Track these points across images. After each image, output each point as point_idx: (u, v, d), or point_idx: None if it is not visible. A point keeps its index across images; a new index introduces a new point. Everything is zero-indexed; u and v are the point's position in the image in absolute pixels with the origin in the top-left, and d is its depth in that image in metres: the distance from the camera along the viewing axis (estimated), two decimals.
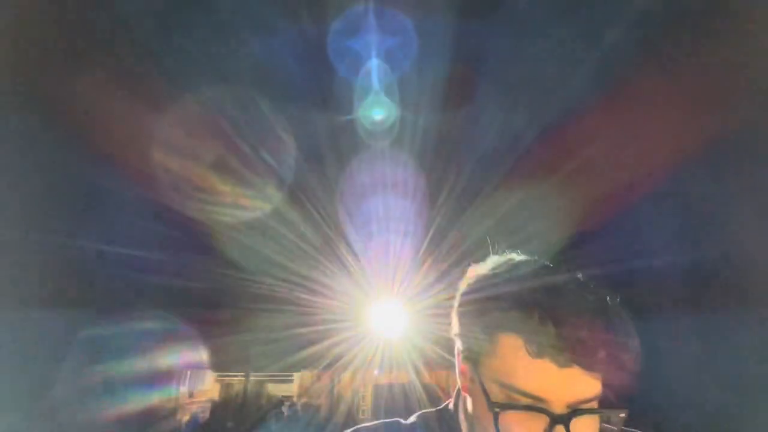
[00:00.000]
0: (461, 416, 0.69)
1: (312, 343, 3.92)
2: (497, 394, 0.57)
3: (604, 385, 0.56)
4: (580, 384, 0.54)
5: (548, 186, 2.67)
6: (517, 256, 0.68)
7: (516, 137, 2.39)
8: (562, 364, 0.53)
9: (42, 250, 2.14)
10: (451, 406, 0.73)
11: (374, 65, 1.80)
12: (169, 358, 3.82)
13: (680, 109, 2.16)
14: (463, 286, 0.68)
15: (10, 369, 2.01)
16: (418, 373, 4.02)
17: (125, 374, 3.08)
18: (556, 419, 0.52)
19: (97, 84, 1.99)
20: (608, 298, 0.59)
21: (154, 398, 3.77)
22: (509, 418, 0.55)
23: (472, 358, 0.62)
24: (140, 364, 3.35)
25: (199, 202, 2.67)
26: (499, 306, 0.59)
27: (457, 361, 0.68)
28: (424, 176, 2.63)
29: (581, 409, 0.54)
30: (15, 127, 1.92)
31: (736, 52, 1.86)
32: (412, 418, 0.75)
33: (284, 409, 6.41)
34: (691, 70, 2.00)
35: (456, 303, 0.68)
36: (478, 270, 0.68)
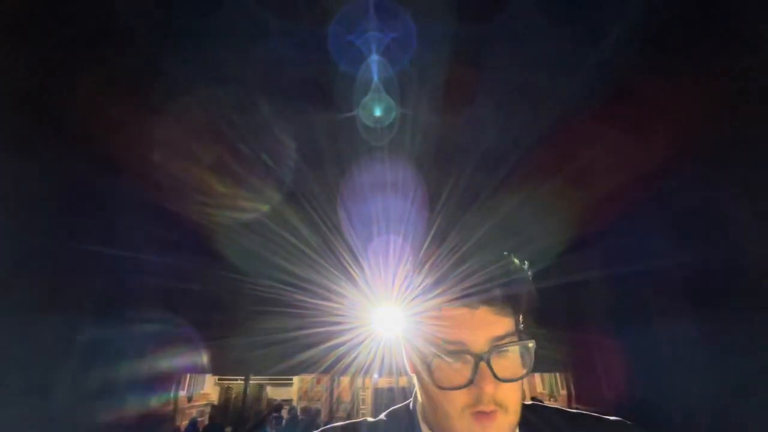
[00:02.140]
0: (418, 408, 0.78)
1: (311, 346, 3.91)
2: (429, 351, 0.68)
3: (514, 321, 0.69)
4: (491, 323, 0.66)
5: (551, 188, 2.67)
6: (432, 249, 0.78)
7: (518, 138, 2.39)
8: (473, 307, 0.65)
9: (41, 252, 2.13)
10: (411, 405, 0.81)
11: (374, 62, 1.80)
12: (169, 361, 3.80)
13: (681, 112, 2.16)
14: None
15: (9, 372, 2.00)
16: None
17: (124, 377, 3.06)
18: (478, 357, 0.64)
19: (97, 86, 1.99)
20: (507, 254, 0.73)
21: (153, 402, 3.75)
22: (441, 367, 0.66)
23: (409, 334, 0.74)
24: (139, 367, 3.33)
25: (198, 205, 2.67)
26: (421, 282, 0.72)
27: (403, 350, 0.78)
28: (424, 177, 2.62)
29: (497, 345, 0.65)
30: (14, 129, 1.92)
31: (737, 55, 1.86)
32: (381, 416, 0.82)
33: (284, 412, 6.39)
34: (692, 72, 2.00)
35: (393, 299, 0.80)
36: (405, 269, 0.80)
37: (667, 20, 1.88)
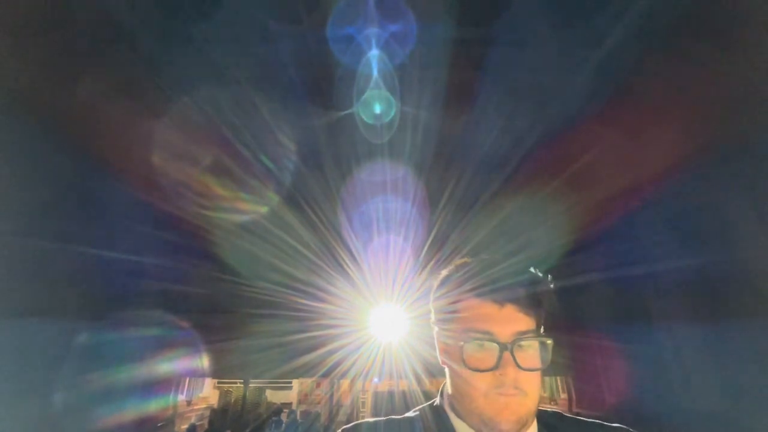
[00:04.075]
0: (446, 403, 0.88)
1: (311, 349, 3.89)
2: (462, 337, 0.79)
3: (536, 320, 0.80)
4: (516, 319, 0.78)
5: (552, 189, 2.66)
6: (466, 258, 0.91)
7: (519, 138, 2.38)
8: (500, 303, 0.78)
9: (38, 255, 2.12)
10: (437, 401, 0.91)
11: (373, 62, 1.79)
12: (168, 364, 3.78)
13: (682, 114, 2.15)
14: (435, 284, 0.92)
15: (6, 375, 1.99)
16: (418, 379, 3.98)
17: (123, 381, 3.04)
18: (503, 347, 0.75)
19: (96, 87, 1.98)
20: (530, 265, 0.85)
21: (152, 406, 3.73)
22: (471, 352, 0.78)
23: (443, 327, 0.86)
24: (138, 371, 3.32)
25: (197, 207, 2.66)
26: (456, 281, 0.84)
27: (437, 344, 0.89)
28: (424, 178, 2.62)
29: (521, 338, 0.76)
30: (13, 130, 1.91)
31: (738, 57, 1.86)
32: (408, 414, 0.90)
33: (283, 416, 6.36)
34: (693, 74, 1.99)
35: (431, 298, 0.92)
36: (443, 271, 0.92)
37: (667, 22, 1.88)
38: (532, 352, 0.78)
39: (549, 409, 0.90)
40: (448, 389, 0.87)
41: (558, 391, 6.31)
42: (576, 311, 3.69)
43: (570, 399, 5.26)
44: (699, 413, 2.40)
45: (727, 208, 2.20)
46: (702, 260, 2.36)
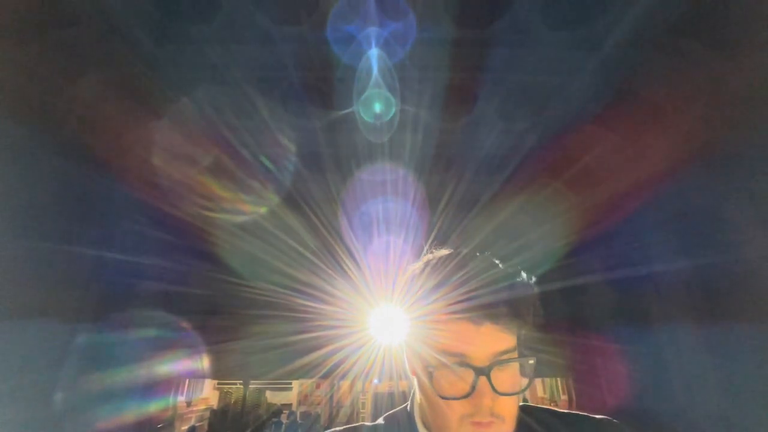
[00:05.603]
0: (416, 410, 0.80)
1: (311, 350, 3.88)
2: (431, 360, 0.68)
3: (517, 337, 0.69)
4: (494, 339, 0.66)
5: (552, 190, 2.66)
6: (440, 251, 0.79)
7: (519, 139, 2.38)
8: (477, 323, 0.66)
9: (38, 255, 2.12)
10: (409, 407, 0.82)
11: (373, 56, 1.79)
12: (168, 365, 3.78)
13: (682, 115, 2.15)
14: (404, 281, 0.81)
15: (7, 376, 1.98)
16: None
17: (123, 382, 3.04)
18: (479, 371, 0.65)
19: (95, 88, 1.98)
20: (512, 269, 0.73)
21: (152, 407, 3.72)
22: (442, 377, 0.68)
23: (413, 340, 0.74)
24: (138, 372, 3.31)
25: (197, 208, 2.66)
26: (427, 290, 0.72)
27: (405, 347, 0.79)
28: (424, 179, 2.61)
29: (499, 360, 0.66)
30: (11, 131, 1.91)
31: (739, 58, 1.86)
32: (379, 420, 0.83)
33: (283, 417, 6.35)
34: (693, 75, 1.99)
35: (401, 296, 0.81)
36: (413, 267, 0.80)
37: (667, 23, 1.87)
38: (511, 373, 0.68)
39: (533, 405, 0.82)
40: (418, 399, 0.79)
41: (558, 393, 6.30)
42: (576, 312, 3.69)
43: (570, 400, 5.24)
44: (700, 414, 2.40)
45: (727, 209, 2.19)
46: (702, 261, 2.36)
